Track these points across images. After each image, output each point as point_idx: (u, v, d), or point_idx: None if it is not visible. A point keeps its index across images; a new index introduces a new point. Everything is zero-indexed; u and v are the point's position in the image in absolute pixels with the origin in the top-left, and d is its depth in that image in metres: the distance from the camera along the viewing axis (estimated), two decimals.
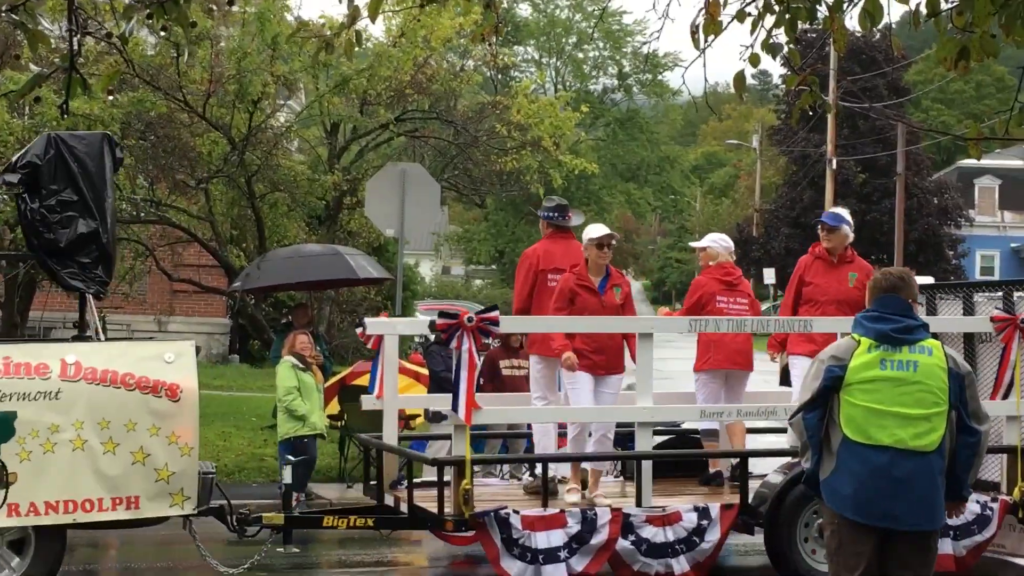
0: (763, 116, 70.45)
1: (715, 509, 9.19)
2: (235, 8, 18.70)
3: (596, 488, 9.49)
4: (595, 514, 8.95)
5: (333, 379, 14.60)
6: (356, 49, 6.48)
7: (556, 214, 10.35)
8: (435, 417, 9.42)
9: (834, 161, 39.12)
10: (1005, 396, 9.63)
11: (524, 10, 60.44)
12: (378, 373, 9.63)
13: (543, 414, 9.88)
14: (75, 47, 4.63)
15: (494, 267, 58.21)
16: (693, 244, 11.43)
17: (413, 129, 21.20)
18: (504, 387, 11.90)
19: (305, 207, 20.32)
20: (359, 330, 9.79)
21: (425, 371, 13.84)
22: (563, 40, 61.28)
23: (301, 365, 12.69)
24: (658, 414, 9.63)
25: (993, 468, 10.03)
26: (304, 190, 19.49)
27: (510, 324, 10.08)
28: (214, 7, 18.93)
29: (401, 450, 9.62)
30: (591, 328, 9.46)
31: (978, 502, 9.51)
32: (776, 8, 5.98)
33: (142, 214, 18.97)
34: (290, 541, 9.23)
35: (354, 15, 6.15)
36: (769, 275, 50.96)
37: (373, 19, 6.15)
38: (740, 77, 6.17)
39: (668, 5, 6.49)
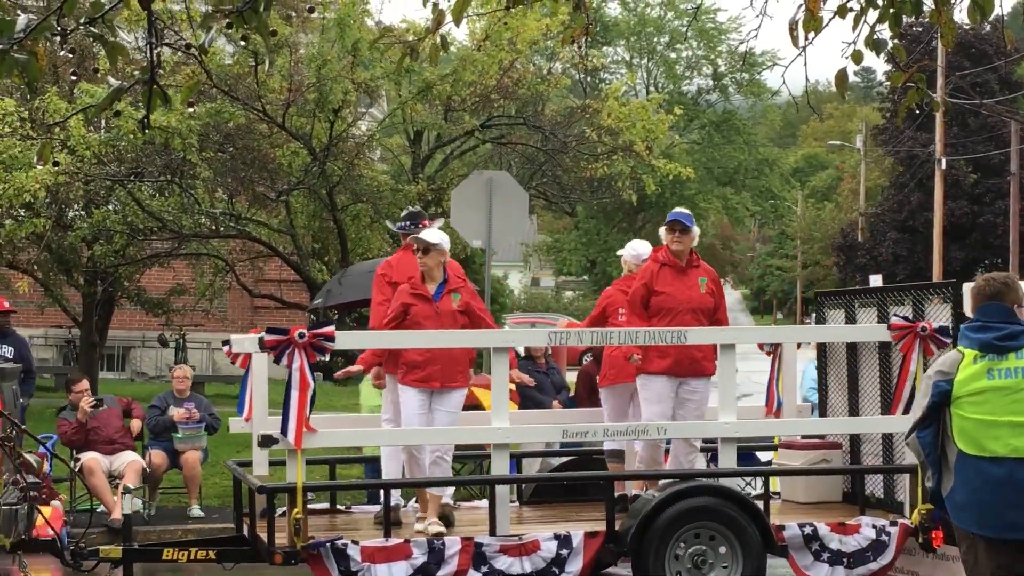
0: (866, 115, 68.95)
1: (578, 537, 8.55)
2: (314, 14, 18.39)
3: (432, 514, 8.92)
4: (443, 544, 8.38)
5: None
6: (441, 54, 6.38)
7: (408, 223, 9.98)
8: (265, 441, 8.79)
9: (943, 161, 37.92)
10: (906, 411, 8.99)
11: (613, 9, 59.72)
12: (247, 394, 9.10)
13: (381, 436, 9.38)
14: (155, 59, 4.20)
15: (585, 278, 57.43)
16: (620, 252, 10.73)
17: (499, 135, 20.79)
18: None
19: (389, 218, 19.94)
20: (225, 348, 9.31)
21: (513, 387, 13.39)
22: (654, 40, 60.39)
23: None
24: (514, 435, 9.03)
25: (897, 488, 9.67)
26: (387, 201, 19.21)
27: (347, 340, 9.59)
28: (293, 13, 18.60)
29: (244, 476, 9.04)
30: (431, 343, 8.94)
31: (874, 526, 8.97)
32: (880, 2, 5.83)
33: (221, 228, 18.72)
34: (131, 575, 8.75)
35: (439, 19, 6.05)
36: (876, 282, 49.33)
37: (458, 22, 6.07)
38: (842, 75, 6.02)
39: (766, 2, 6.39)
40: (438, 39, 6.23)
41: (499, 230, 15.64)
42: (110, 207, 17.96)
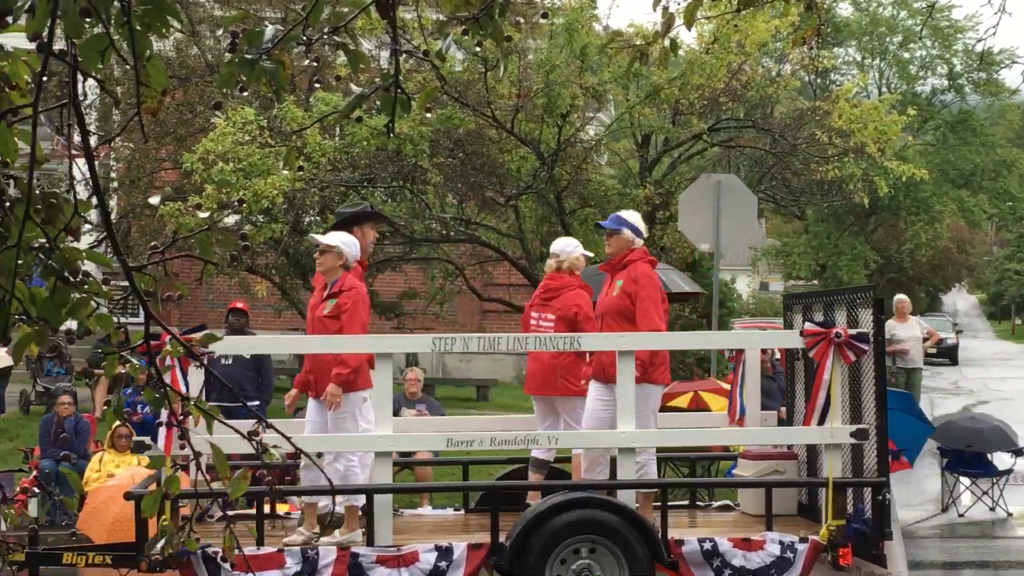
0: None
1: (460, 548, 8.23)
2: (544, 20, 18.52)
3: (312, 526, 8.62)
4: (317, 553, 8.07)
5: None
6: (670, 57, 6.32)
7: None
8: (137, 447, 8.62)
9: None
10: (820, 421, 8.58)
11: (844, 9, 58.29)
12: None
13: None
14: (398, 66, 4.35)
15: (815, 282, 56.00)
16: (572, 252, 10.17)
17: (727, 139, 20.55)
18: None
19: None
20: None
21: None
22: (887, 40, 58.68)
23: None
24: (397, 443, 8.71)
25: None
26: (615, 205, 19.10)
27: (216, 346, 9.17)
28: (521, 19, 18.75)
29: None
30: (298, 349, 8.93)
31: (780, 543, 8.42)
32: None
33: (451, 233, 18.97)
34: None
35: (669, 23, 5.96)
36: None
37: (689, 26, 5.98)
38: None
39: None
40: (667, 42, 6.18)
41: (727, 234, 15.47)
42: None
